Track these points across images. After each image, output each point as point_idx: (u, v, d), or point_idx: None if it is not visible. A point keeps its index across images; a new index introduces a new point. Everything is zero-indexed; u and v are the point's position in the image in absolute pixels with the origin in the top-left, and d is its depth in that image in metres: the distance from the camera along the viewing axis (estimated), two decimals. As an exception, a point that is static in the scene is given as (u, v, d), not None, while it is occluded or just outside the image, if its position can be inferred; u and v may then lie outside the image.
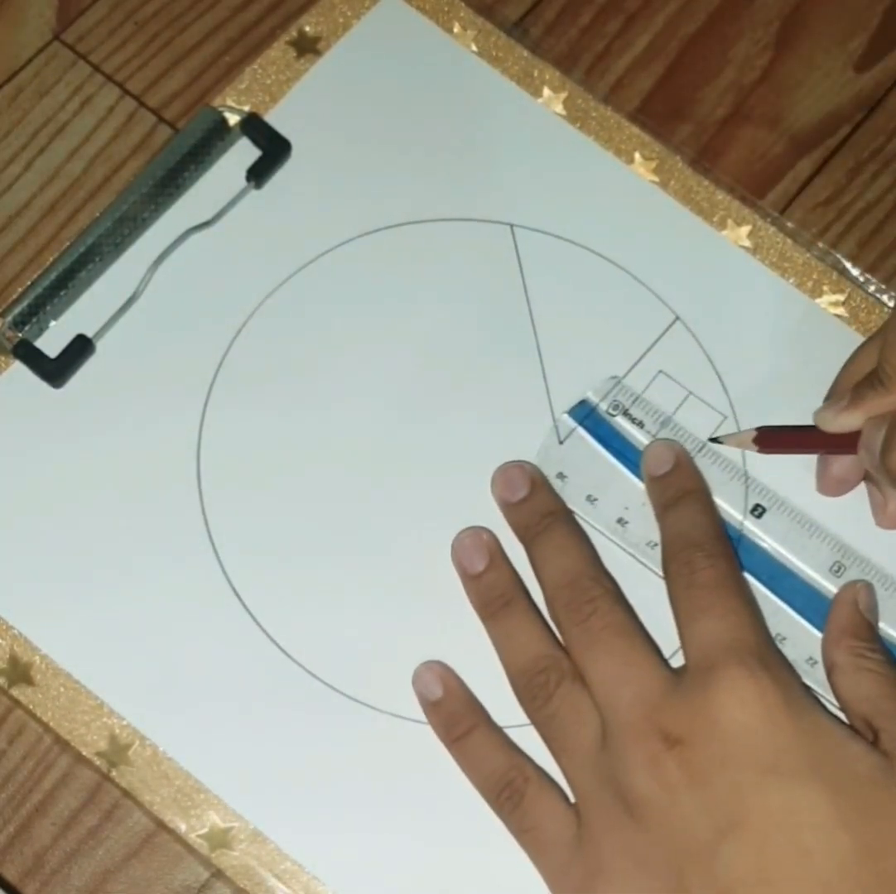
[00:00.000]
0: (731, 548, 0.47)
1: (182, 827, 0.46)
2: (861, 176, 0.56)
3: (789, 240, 0.54)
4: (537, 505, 0.49)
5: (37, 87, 0.55)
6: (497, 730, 0.47)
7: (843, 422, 0.49)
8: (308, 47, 0.55)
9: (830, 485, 0.50)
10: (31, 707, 0.47)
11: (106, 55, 0.55)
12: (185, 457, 0.50)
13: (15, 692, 0.47)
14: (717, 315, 0.53)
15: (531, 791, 0.45)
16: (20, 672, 0.47)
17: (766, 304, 0.53)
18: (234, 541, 0.49)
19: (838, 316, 0.53)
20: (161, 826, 0.46)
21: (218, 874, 0.46)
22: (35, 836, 0.46)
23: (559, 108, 0.55)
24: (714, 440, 0.50)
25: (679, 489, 0.49)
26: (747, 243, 0.54)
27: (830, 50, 0.58)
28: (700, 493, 0.49)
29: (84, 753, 0.47)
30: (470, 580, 0.48)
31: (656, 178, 0.54)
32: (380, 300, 0.52)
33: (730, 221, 0.54)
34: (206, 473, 0.50)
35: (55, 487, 0.49)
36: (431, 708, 0.47)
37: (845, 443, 0.49)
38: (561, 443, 0.50)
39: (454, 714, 0.47)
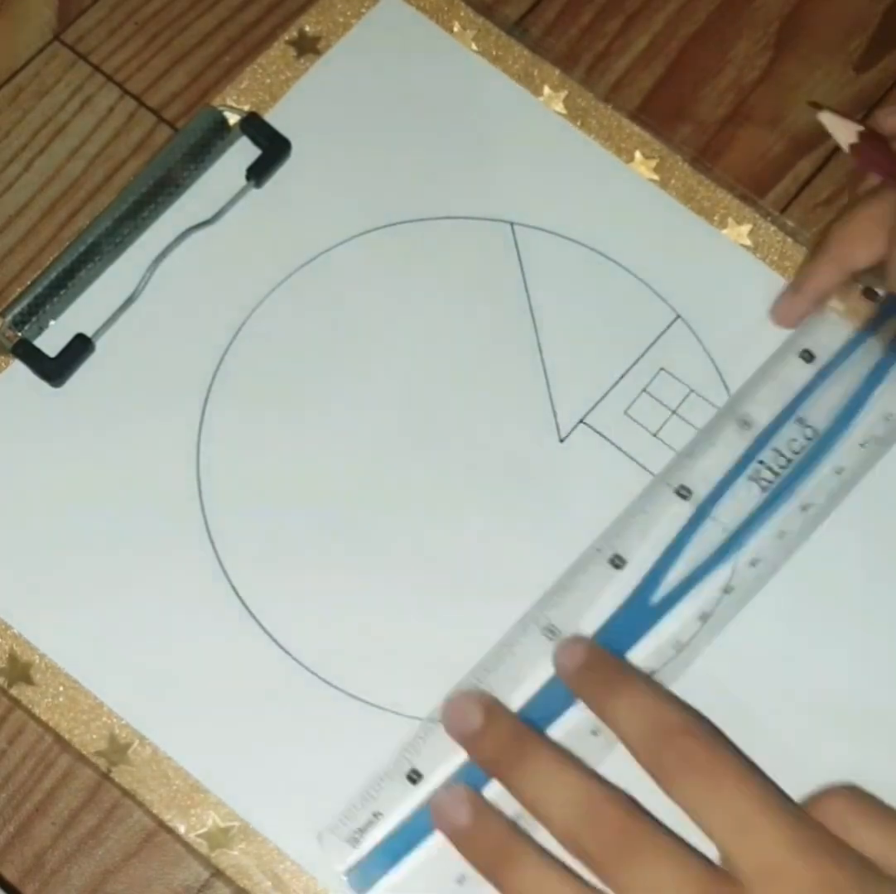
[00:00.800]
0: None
1: (182, 827, 0.46)
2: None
3: (789, 239, 0.54)
4: (501, 731, 0.45)
5: (37, 87, 0.55)
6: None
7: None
8: (308, 47, 0.55)
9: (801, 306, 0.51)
10: (30, 707, 0.47)
11: (106, 55, 0.55)
12: (184, 457, 0.50)
13: (15, 692, 0.47)
14: (717, 313, 0.53)
15: None
16: (20, 672, 0.47)
17: (767, 303, 0.53)
18: (234, 539, 0.49)
19: (838, 313, 0.53)
20: (161, 826, 0.46)
21: (218, 874, 0.46)
22: (35, 836, 0.46)
23: (559, 107, 0.55)
24: (813, 104, 0.49)
25: (606, 674, 0.45)
26: (748, 242, 0.54)
27: (830, 50, 0.58)
28: (633, 670, 0.46)
29: (84, 753, 0.46)
30: (458, 835, 0.44)
31: (657, 177, 0.54)
32: (380, 299, 0.52)
33: (730, 220, 0.54)
34: (206, 472, 0.50)
35: (55, 487, 0.49)
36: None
37: None
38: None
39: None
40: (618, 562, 0.48)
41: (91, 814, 0.47)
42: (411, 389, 0.51)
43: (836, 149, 0.56)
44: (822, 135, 0.56)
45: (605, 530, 0.49)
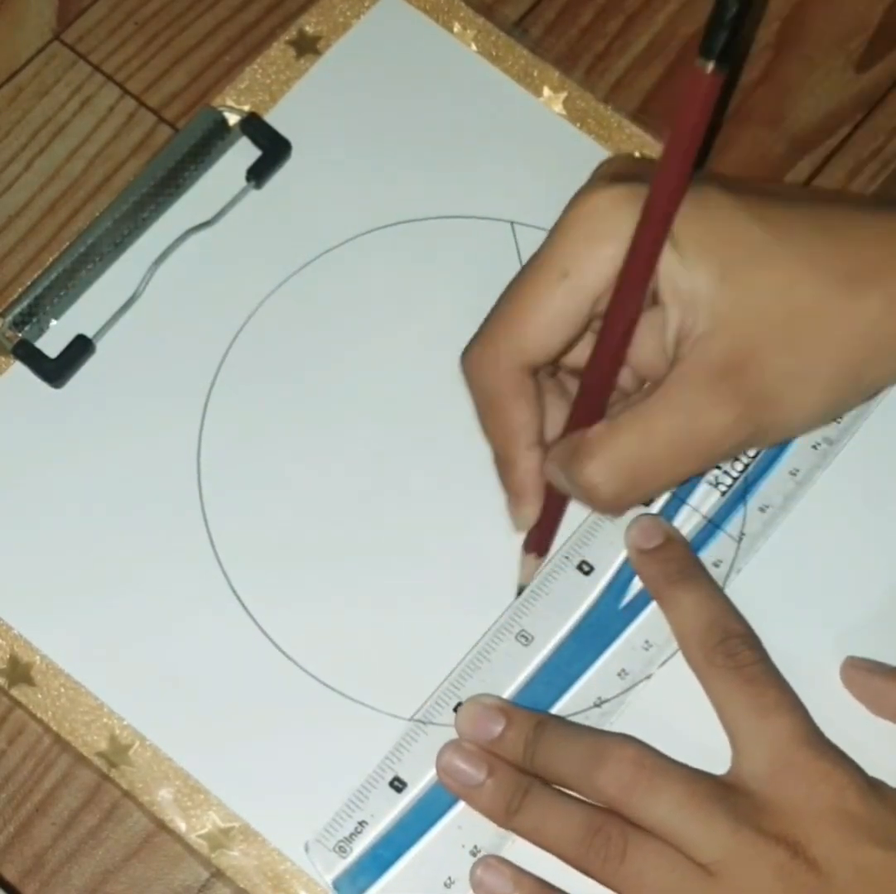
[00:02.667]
0: None
1: (182, 827, 0.46)
2: (861, 176, 0.56)
3: (790, 240, 0.54)
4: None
5: (37, 87, 0.55)
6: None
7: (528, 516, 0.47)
8: (308, 47, 0.55)
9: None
10: (31, 707, 0.47)
11: (106, 55, 0.55)
12: (185, 457, 0.50)
13: (15, 692, 0.47)
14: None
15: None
16: (20, 672, 0.47)
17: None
18: (234, 541, 0.49)
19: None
20: (161, 826, 0.46)
21: (218, 874, 0.46)
22: (35, 836, 0.46)
23: (559, 108, 0.55)
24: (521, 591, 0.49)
25: (682, 564, 0.48)
26: (748, 243, 0.54)
27: (830, 50, 0.58)
28: (705, 571, 0.48)
29: (84, 753, 0.47)
30: (476, 791, 0.45)
31: (656, 178, 0.54)
32: (380, 299, 0.52)
33: (730, 221, 0.54)
34: (207, 473, 0.50)
35: (55, 487, 0.49)
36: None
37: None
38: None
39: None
40: (585, 568, 0.48)
41: (91, 814, 0.47)
42: (411, 390, 0.51)
43: (836, 149, 0.56)
44: (822, 135, 0.56)
45: (571, 537, 0.49)
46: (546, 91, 0.55)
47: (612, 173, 0.44)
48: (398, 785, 0.46)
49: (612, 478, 0.43)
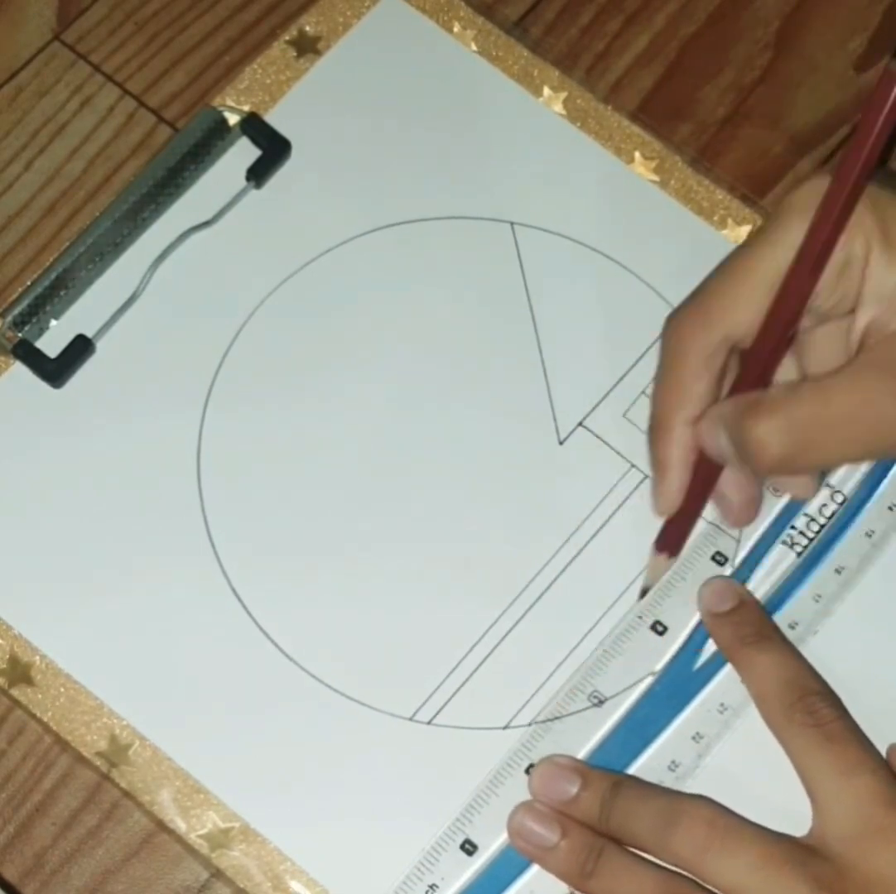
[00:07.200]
0: None
1: (182, 827, 0.46)
2: (861, 176, 0.56)
3: (790, 240, 0.54)
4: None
5: (37, 87, 0.55)
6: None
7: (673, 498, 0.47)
8: (308, 47, 0.55)
9: (742, 513, 0.48)
10: (31, 707, 0.47)
11: (106, 55, 0.55)
12: (185, 457, 0.50)
13: (15, 692, 0.47)
14: (717, 314, 0.53)
15: None
16: (20, 672, 0.47)
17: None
18: (234, 541, 0.49)
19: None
20: (161, 826, 0.46)
21: (218, 874, 0.46)
22: (35, 836, 0.46)
23: (559, 108, 0.55)
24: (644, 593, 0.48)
25: (757, 626, 0.47)
26: (748, 243, 0.54)
27: (830, 50, 0.58)
28: (780, 632, 0.47)
29: (84, 753, 0.47)
30: (549, 853, 0.45)
31: (656, 178, 0.54)
32: (380, 299, 0.52)
33: (730, 220, 0.54)
34: (207, 473, 0.50)
35: (55, 487, 0.49)
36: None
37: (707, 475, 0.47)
38: None
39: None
40: (659, 629, 0.48)
41: (91, 814, 0.47)
42: (411, 390, 0.51)
43: (836, 149, 0.56)
44: (822, 135, 0.56)
45: (647, 599, 0.48)
46: (546, 91, 0.55)
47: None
48: (469, 847, 0.45)
49: (784, 438, 0.43)
